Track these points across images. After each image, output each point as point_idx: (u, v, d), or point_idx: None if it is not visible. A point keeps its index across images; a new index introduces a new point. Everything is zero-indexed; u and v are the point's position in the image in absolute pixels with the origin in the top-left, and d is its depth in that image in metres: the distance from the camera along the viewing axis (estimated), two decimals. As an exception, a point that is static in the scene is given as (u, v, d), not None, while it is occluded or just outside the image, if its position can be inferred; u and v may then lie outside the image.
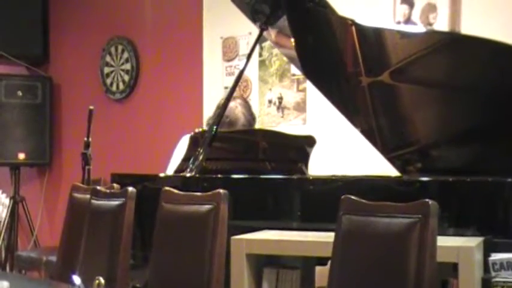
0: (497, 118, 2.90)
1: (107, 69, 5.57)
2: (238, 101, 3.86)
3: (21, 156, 5.65)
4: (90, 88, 5.66)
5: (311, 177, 3.36)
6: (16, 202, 5.68)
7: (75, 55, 5.80)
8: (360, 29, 3.05)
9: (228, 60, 4.86)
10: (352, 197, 2.10)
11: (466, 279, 2.26)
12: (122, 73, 5.47)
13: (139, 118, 5.39)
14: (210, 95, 4.89)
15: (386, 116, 3.25)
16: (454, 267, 2.29)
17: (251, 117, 3.88)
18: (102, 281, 1.85)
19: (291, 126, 4.51)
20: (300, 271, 2.69)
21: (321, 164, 3.95)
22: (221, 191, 2.43)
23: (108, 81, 5.56)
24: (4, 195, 5.95)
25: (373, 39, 3.09)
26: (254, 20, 3.63)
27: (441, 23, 3.94)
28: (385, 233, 1.98)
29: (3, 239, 5.64)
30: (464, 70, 2.88)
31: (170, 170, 3.65)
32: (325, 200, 2.77)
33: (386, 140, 3.29)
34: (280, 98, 4.63)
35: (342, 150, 4.24)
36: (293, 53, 3.53)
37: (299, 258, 2.69)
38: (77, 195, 3.09)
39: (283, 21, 3.42)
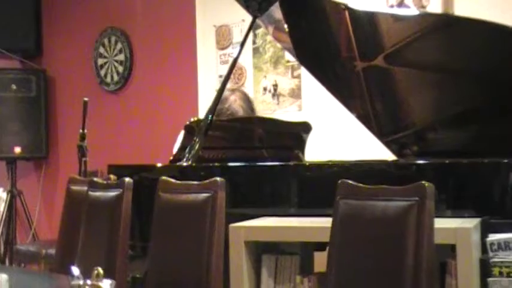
0: (492, 99, 2.90)
1: (100, 61, 5.56)
2: (238, 93, 3.88)
3: (18, 150, 5.64)
4: (84, 80, 5.64)
5: (308, 163, 3.36)
6: (14, 196, 5.68)
7: (69, 47, 5.78)
8: (353, 13, 3.05)
9: (222, 49, 4.84)
10: (349, 182, 2.10)
11: (464, 260, 2.27)
12: (116, 64, 5.46)
13: (135, 109, 5.38)
14: (204, 83, 4.89)
15: (382, 100, 3.25)
16: (452, 248, 2.30)
17: (250, 111, 3.91)
18: (101, 271, 1.85)
19: (286, 113, 4.51)
20: (299, 257, 2.70)
21: (317, 150, 3.95)
22: (218, 179, 2.42)
23: (102, 72, 5.55)
24: (1, 189, 5.94)
25: (366, 23, 3.09)
26: (247, 6, 3.61)
27: (434, 5, 3.93)
28: (383, 217, 1.98)
29: (1, 233, 5.64)
30: (459, 52, 2.88)
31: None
32: (322, 186, 2.77)
33: (382, 124, 3.30)
34: (275, 85, 4.63)
35: (338, 136, 4.24)
36: (290, 45, 3.53)
37: (297, 244, 2.70)
38: (74, 187, 3.09)
39: (278, 15, 3.41)
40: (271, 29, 3.63)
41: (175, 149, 3.66)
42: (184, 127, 3.53)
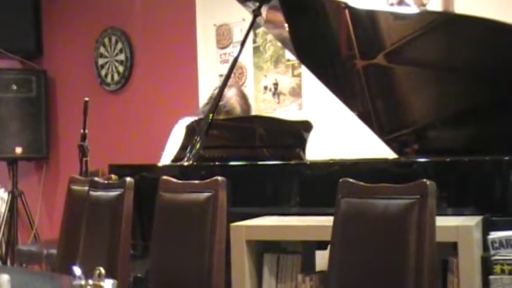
0: (493, 97, 2.90)
1: (101, 61, 5.56)
2: (235, 91, 3.89)
3: (18, 150, 5.64)
4: (85, 80, 5.64)
5: (309, 162, 3.37)
6: (15, 196, 5.68)
7: (69, 47, 5.78)
8: (353, 11, 3.05)
9: (222, 48, 4.84)
10: (350, 180, 2.10)
11: (465, 258, 2.27)
12: (117, 64, 5.46)
13: (135, 108, 5.38)
14: (205, 83, 4.88)
15: (382, 99, 3.25)
16: (454, 246, 2.30)
17: (247, 107, 3.92)
18: (103, 271, 1.85)
19: (287, 111, 4.51)
20: (300, 256, 2.70)
21: (318, 149, 3.95)
22: (219, 178, 2.42)
23: (103, 72, 5.55)
24: (2, 189, 5.95)
25: (366, 21, 3.09)
26: (247, 6, 3.61)
27: (434, 4, 3.93)
28: (384, 215, 1.98)
29: (3, 234, 5.64)
30: (459, 50, 2.88)
31: (165, 158, 3.65)
32: (323, 184, 2.77)
33: (382, 123, 3.30)
34: (276, 84, 4.63)
35: (339, 134, 4.24)
36: (285, 33, 3.52)
37: (299, 243, 2.70)
38: (75, 187, 3.09)
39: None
40: (264, 12, 3.56)
41: (166, 155, 3.66)
42: (185, 127, 3.53)
